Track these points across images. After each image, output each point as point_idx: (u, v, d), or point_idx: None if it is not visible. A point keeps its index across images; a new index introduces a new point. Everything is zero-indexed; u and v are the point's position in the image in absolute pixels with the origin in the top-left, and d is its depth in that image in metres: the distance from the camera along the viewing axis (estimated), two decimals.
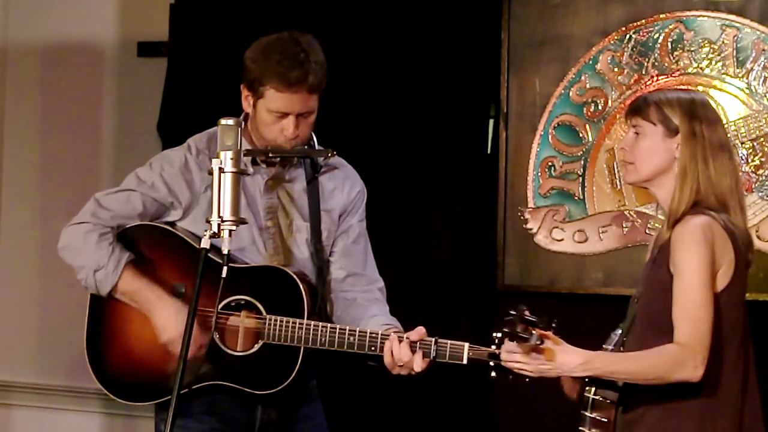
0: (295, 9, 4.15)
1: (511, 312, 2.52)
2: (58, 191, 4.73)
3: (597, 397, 2.67)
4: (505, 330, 2.52)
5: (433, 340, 2.75)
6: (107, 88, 4.70)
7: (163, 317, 2.88)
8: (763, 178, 3.80)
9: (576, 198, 3.99)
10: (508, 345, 2.59)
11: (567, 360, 2.56)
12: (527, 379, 2.62)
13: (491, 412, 4.05)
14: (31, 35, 4.78)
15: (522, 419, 3.95)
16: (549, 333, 2.55)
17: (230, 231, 2.52)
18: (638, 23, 3.93)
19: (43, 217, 4.74)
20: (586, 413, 2.68)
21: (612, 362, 2.60)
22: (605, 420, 2.65)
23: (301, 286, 2.85)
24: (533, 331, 2.51)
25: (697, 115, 2.73)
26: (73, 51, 4.72)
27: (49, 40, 4.76)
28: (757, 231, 3.79)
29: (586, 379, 2.67)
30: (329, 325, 2.83)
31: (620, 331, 2.75)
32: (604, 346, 2.74)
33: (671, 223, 2.67)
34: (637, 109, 2.76)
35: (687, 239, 2.60)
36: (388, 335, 2.77)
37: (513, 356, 2.59)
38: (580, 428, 2.68)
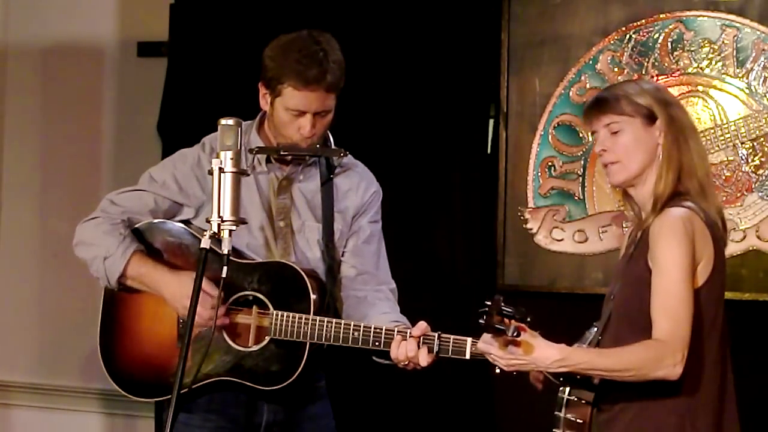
0: (295, 9, 4.15)
1: (487, 303, 2.46)
2: (58, 191, 4.73)
3: (572, 397, 2.60)
4: (481, 321, 2.45)
5: (436, 335, 2.75)
6: (107, 88, 4.70)
7: (171, 289, 2.87)
8: (763, 178, 3.80)
9: (576, 198, 3.99)
10: (485, 336, 2.52)
11: (543, 355, 2.48)
12: (514, 373, 2.56)
13: (495, 410, 4.05)
14: (31, 35, 4.78)
15: (525, 416, 3.95)
16: (524, 326, 2.47)
17: (230, 231, 2.51)
18: (638, 23, 3.93)
19: (43, 216, 4.74)
20: (560, 414, 2.60)
21: (589, 358, 2.52)
22: (580, 421, 2.59)
23: (307, 282, 2.85)
24: (510, 323, 2.44)
25: (668, 100, 2.68)
26: (73, 51, 4.72)
27: (49, 40, 4.76)
28: (757, 231, 3.79)
29: (561, 379, 2.60)
30: (334, 320, 2.83)
31: (595, 329, 2.69)
32: (578, 344, 2.68)
33: (656, 209, 2.59)
34: (606, 106, 2.66)
35: (667, 232, 2.52)
36: (392, 330, 2.78)
37: (488, 348, 2.52)
38: (554, 430, 2.61)
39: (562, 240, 4.01)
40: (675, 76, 3.89)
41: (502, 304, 2.45)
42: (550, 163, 4.02)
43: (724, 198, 3.80)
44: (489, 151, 4.13)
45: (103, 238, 2.94)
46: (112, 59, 4.69)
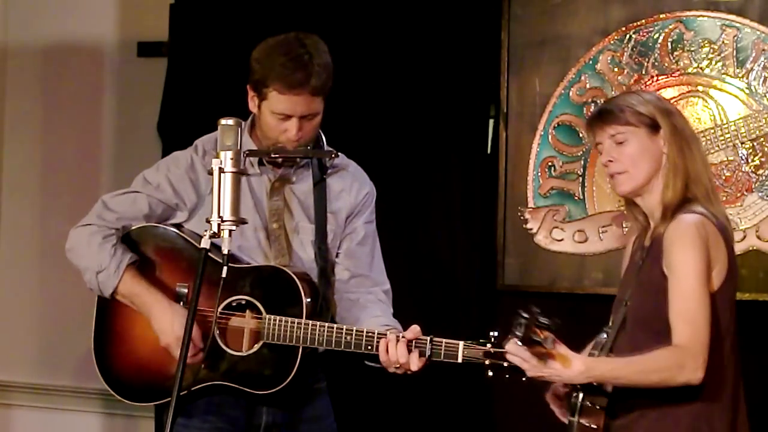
0: (295, 9, 4.15)
1: (524, 315, 2.44)
2: (58, 191, 4.73)
3: (586, 403, 2.60)
4: (518, 333, 2.44)
5: (428, 338, 2.73)
6: (107, 88, 4.70)
7: (161, 321, 2.88)
8: (763, 178, 3.80)
9: (576, 198, 3.99)
10: (513, 347, 2.51)
11: (571, 367, 2.50)
12: (524, 378, 2.57)
13: (494, 412, 4.06)
14: (31, 35, 4.78)
15: (524, 417, 3.95)
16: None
17: (230, 231, 2.51)
18: (638, 23, 3.93)
19: (43, 217, 4.75)
20: (574, 419, 2.61)
21: (613, 368, 2.55)
22: (594, 426, 2.60)
23: (299, 286, 2.85)
24: (547, 335, 2.44)
25: (670, 110, 2.72)
26: (73, 51, 4.72)
27: (49, 40, 4.76)
28: (757, 231, 3.79)
29: (577, 386, 2.60)
30: (327, 324, 2.82)
31: (605, 336, 2.70)
32: (591, 351, 2.69)
33: (667, 216, 2.63)
34: (610, 117, 2.69)
35: (682, 238, 2.56)
36: (385, 334, 2.76)
37: (518, 360, 2.52)
38: None
39: (562, 240, 4.01)
40: (675, 76, 3.89)
41: (538, 315, 2.44)
42: (550, 163, 4.02)
43: (724, 198, 3.80)
44: (489, 151, 4.13)
45: (96, 250, 2.92)
46: (112, 59, 4.69)
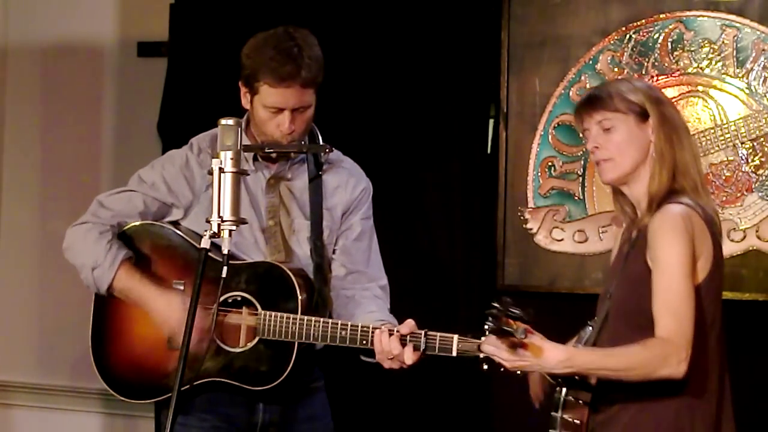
0: (294, 9, 4.15)
1: (495, 305, 2.43)
2: (58, 191, 4.73)
3: (569, 398, 2.58)
4: (489, 324, 2.43)
5: (423, 332, 2.73)
6: (107, 88, 4.71)
7: (160, 311, 2.89)
8: (763, 178, 3.80)
9: (576, 198, 3.99)
10: (491, 338, 2.49)
11: (549, 356, 2.46)
12: (518, 372, 2.54)
13: (492, 409, 4.06)
14: (31, 35, 4.79)
15: (521, 414, 3.94)
16: (530, 328, 2.45)
17: (230, 231, 2.51)
18: (638, 23, 3.93)
19: (43, 217, 4.75)
20: (557, 414, 2.58)
21: (594, 359, 2.50)
22: (577, 421, 2.57)
23: (295, 282, 2.85)
24: (518, 326, 2.41)
25: (660, 99, 2.68)
26: (73, 51, 4.72)
27: (49, 40, 4.76)
28: (757, 231, 3.79)
29: (558, 379, 2.58)
30: (322, 319, 2.83)
31: (590, 328, 2.68)
32: (574, 344, 2.66)
33: (652, 207, 2.58)
34: (599, 103, 2.64)
35: (666, 230, 2.51)
36: (379, 328, 2.76)
37: (492, 349, 2.50)
38: (550, 431, 2.59)
39: (562, 240, 4.01)
40: (675, 76, 3.89)
41: (510, 306, 2.43)
42: (550, 163, 4.02)
43: (724, 198, 3.80)
44: (489, 151, 4.13)
45: (91, 247, 2.94)
46: (112, 59, 4.69)
